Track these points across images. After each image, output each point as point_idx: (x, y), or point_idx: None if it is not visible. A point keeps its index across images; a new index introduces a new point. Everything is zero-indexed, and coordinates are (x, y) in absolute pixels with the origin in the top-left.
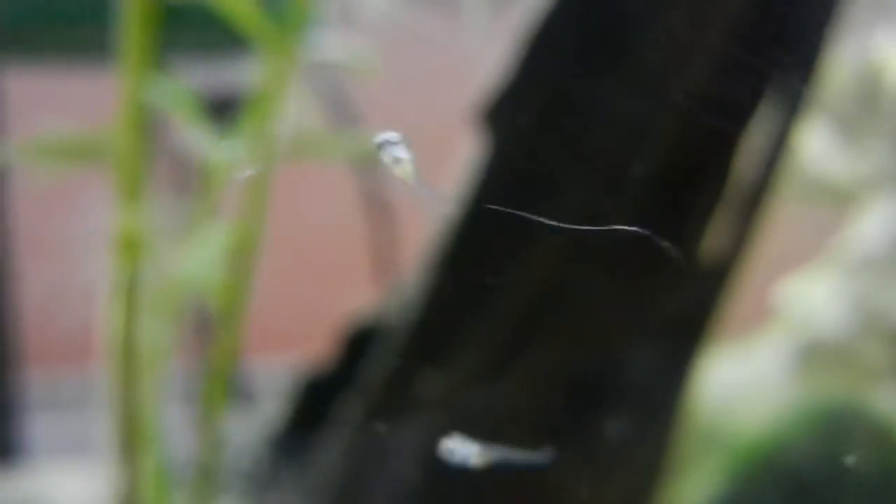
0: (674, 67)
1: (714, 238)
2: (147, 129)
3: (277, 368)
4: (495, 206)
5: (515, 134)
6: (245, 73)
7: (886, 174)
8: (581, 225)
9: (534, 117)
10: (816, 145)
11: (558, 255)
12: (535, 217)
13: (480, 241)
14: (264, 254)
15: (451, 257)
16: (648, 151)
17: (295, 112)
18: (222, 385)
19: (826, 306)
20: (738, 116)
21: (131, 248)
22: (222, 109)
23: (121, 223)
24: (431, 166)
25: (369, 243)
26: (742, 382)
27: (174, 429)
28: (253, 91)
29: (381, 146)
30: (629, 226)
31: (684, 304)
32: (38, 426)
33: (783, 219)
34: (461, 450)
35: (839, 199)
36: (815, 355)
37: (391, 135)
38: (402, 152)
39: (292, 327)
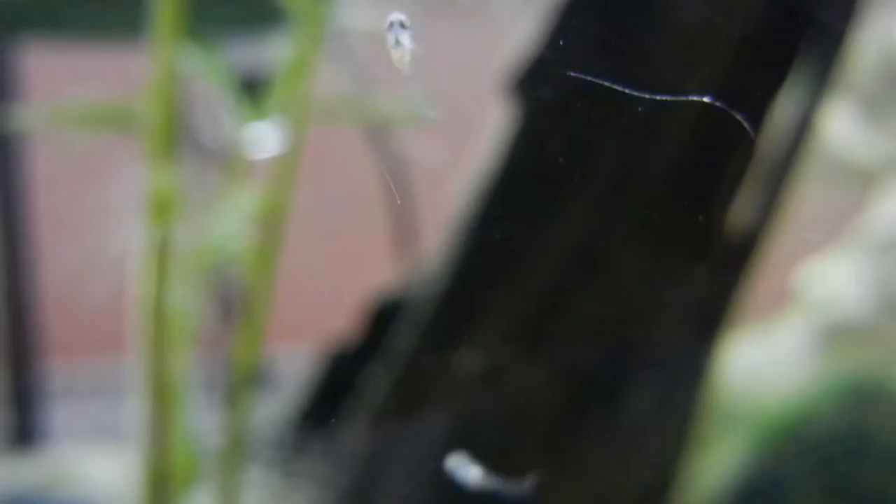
0: (701, 44)
1: (739, 217)
2: (178, 97)
3: (298, 359)
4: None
5: (545, 104)
6: (266, 56)
7: None
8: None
9: (564, 88)
10: (840, 126)
11: (588, 225)
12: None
13: (509, 210)
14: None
15: (480, 226)
16: (676, 124)
17: (322, 80)
18: (252, 353)
19: (848, 288)
20: (764, 95)
21: (163, 210)
22: (245, 90)
23: (153, 185)
24: (461, 136)
25: (390, 220)
26: (764, 364)
27: (201, 411)
28: (281, 63)
29: (390, 25)
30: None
31: (710, 279)
32: (59, 415)
33: (806, 200)
34: (462, 470)
35: (862, 180)
36: (837, 337)
37: (402, 17)
38: (406, 38)
39: (313, 317)
